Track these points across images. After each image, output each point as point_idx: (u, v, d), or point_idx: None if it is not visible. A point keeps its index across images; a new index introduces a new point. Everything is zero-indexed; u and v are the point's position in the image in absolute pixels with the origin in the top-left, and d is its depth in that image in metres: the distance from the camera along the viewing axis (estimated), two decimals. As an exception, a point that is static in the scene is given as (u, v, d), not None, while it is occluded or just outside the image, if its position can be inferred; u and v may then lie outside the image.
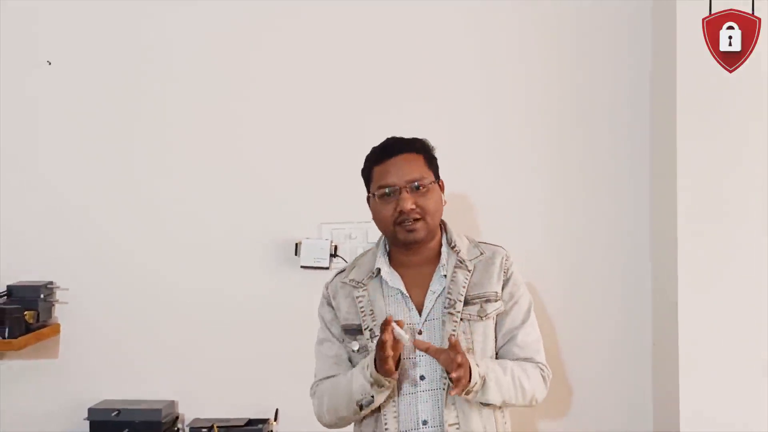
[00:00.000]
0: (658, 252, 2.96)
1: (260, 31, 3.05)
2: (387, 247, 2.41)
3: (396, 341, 2.13)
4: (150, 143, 3.07)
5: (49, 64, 3.04)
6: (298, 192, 3.04)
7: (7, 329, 2.83)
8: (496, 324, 2.35)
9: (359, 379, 2.23)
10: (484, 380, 2.21)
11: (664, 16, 2.85)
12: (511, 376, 2.28)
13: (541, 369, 2.35)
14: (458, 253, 2.36)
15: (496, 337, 2.35)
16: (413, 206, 2.28)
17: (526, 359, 2.34)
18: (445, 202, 2.37)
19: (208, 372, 3.03)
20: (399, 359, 2.19)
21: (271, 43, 3.04)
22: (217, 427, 2.90)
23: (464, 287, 2.31)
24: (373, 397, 2.21)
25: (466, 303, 2.30)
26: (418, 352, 2.28)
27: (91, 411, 2.92)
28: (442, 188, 2.38)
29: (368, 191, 2.39)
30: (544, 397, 2.34)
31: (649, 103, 2.99)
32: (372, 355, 2.22)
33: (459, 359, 2.15)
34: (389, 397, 2.27)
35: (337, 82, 3.04)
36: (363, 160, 2.88)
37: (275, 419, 3.00)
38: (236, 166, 3.05)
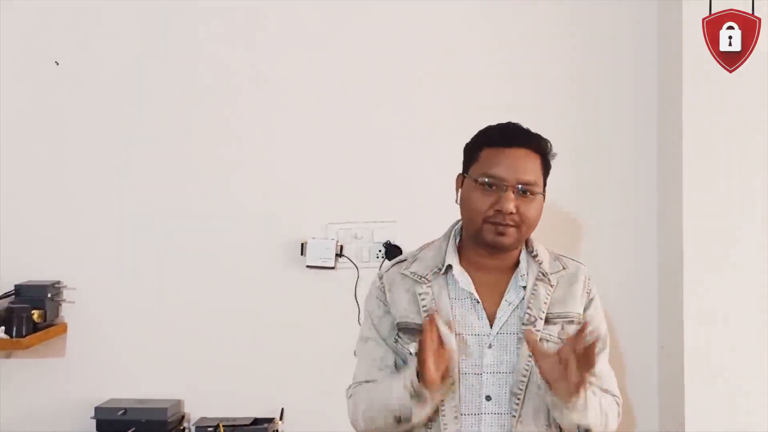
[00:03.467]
0: (665, 253, 2.98)
1: (267, 28, 3.06)
2: (457, 241, 2.18)
3: (441, 346, 1.91)
4: (155, 143, 3.07)
5: (57, 64, 3.05)
6: (304, 191, 3.04)
7: (14, 328, 2.83)
8: None
9: (399, 388, 1.99)
10: (586, 398, 1.97)
11: (669, 16, 2.88)
12: (599, 402, 2.04)
13: (617, 404, 2.15)
14: (540, 264, 2.13)
15: None
16: (514, 210, 2.03)
17: (602, 391, 2.12)
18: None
19: (214, 371, 3.03)
20: (446, 370, 1.94)
21: (278, 41, 3.06)
22: (223, 426, 2.89)
23: (545, 303, 2.08)
24: (411, 411, 1.97)
25: (547, 321, 2.07)
26: (483, 367, 2.05)
27: (98, 410, 2.91)
28: (544, 199, 2.15)
29: (465, 170, 2.13)
30: None
31: (656, 104, 3.01)
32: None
33: (577, 380, 1.90)
34: (452, 417, 2.04)
35: (343, 80, 3.04)
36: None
37: (281, 418, 2.99)
38: (242, 166, 3.06)
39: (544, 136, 2.98)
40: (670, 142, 2.88)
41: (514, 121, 2.19)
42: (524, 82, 3.05)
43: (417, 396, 1.95)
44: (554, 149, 2.20)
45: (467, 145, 2.17)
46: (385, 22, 3.05)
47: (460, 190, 2.15)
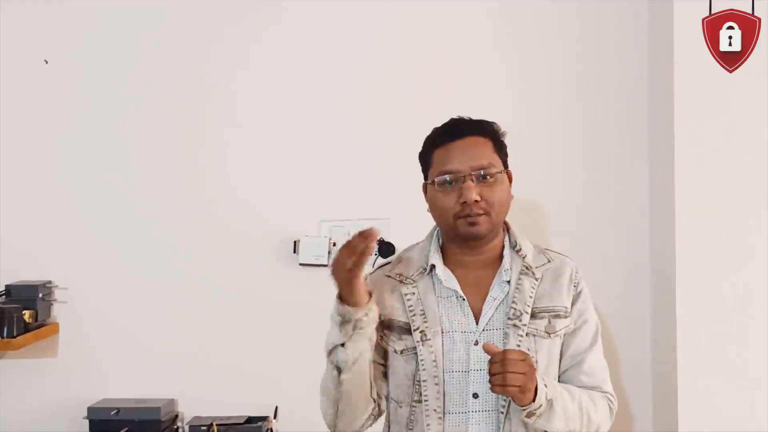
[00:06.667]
0: (657, 253, 2.96)
1: (258, 26, 3.03)
2: (440, 242, 2.17)
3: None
4: (146, 141, 3.05)
5: (46, 63, 3.02)
6: (297, 189, 3.02)
7: (5, 329, 2.82)
8: (562, 344, 2.11)
9: (332, 331, 2.00)
10: (551, 404, 1.97)
11: (661, 16, 2.84)
12: (579, 405, 2.04)
13: (609, 400, 2.13)
14: (524, 258, 2.12)
15: (560, 359, 2.12)
16: (478, 198, 2.03)
17: (593, 388, 2.12)
18: (512, 196, 2.14)
19: (208, 370, 3.03)
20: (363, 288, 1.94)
21: (269, 38, 3.03)
22: (217, 425, 2.90)
23: (531, 297, 2.07)
24: (343, 345, 1.96)
25: (533, 316, 2.06)
26: (471, 364, 2.03)
27: (91, 410, 2.92)
28: (510, 179, 2.14)
29: (425, 178, 2.14)
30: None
31: (648, 105, 2.99)
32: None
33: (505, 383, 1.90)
34: (435, 417, 2.01)
35: (335, 78, 3.02)
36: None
37: (274, 417, 3.00)
38: (234, 163, 3.04)
39: (538, 135, 3.00)
40: (664, 143, 2.85)
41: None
42: (515, 83, 3.02)
43: (343, 319, 1.95)
44: (503, 130, 2.17)
45: (419, 153, 2.16)
46: (380, 20, 3.02)
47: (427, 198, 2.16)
